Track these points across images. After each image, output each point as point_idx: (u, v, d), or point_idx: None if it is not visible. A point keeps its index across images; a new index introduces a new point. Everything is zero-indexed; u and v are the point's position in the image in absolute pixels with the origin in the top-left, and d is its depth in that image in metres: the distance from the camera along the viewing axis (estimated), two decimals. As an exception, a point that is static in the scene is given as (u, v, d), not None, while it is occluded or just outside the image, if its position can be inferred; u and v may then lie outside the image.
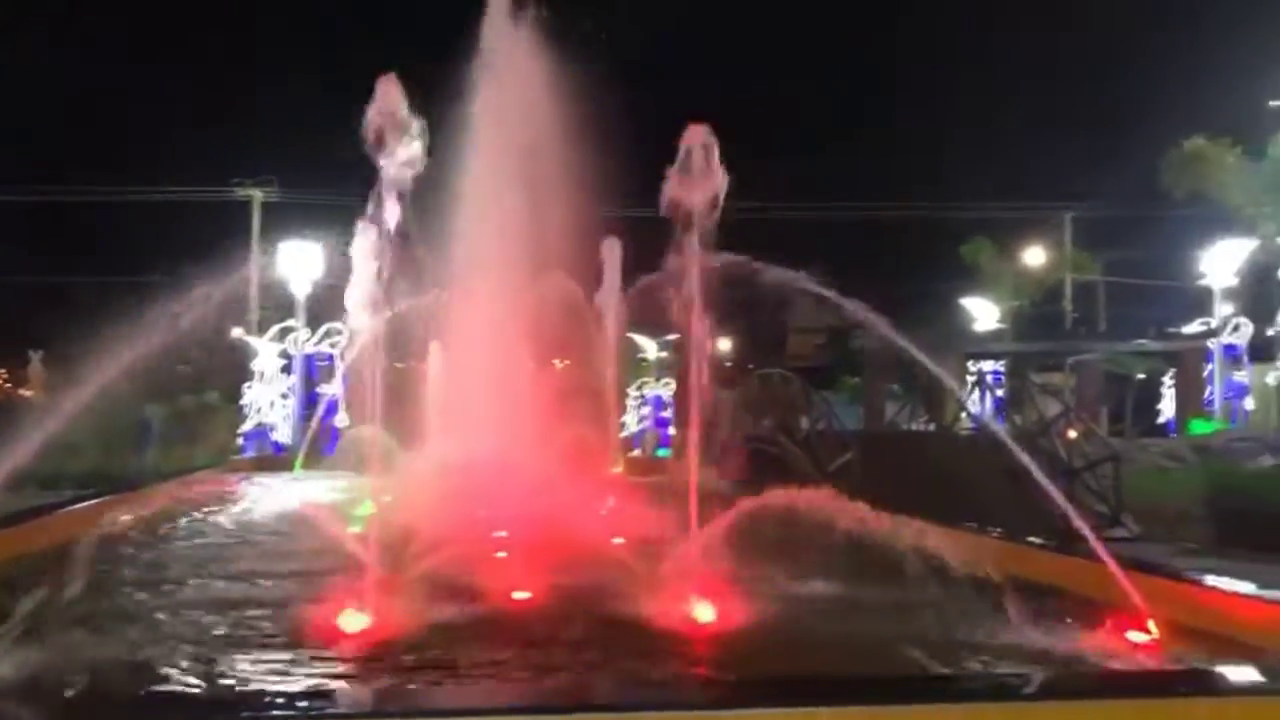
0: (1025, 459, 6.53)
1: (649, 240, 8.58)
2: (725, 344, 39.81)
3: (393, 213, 7.16)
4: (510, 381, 11.93)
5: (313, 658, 5.37)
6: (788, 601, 6.49)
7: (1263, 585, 6.46)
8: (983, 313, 37.80)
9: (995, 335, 36.75)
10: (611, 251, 12.67)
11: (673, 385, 31.67)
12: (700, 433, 7.33)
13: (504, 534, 8.29)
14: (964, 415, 18.06)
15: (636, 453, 27.37)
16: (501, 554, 7.82)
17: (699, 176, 6.95)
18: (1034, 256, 38.77)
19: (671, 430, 32.17)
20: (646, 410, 33.06)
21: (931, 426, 19.54)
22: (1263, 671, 3.98)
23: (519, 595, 6.69)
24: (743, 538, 6.88)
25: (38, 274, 36.18)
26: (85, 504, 10.70)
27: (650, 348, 32.60)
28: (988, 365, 35.07)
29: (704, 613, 6.09)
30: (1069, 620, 5.79)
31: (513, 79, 11.97)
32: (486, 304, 12.15)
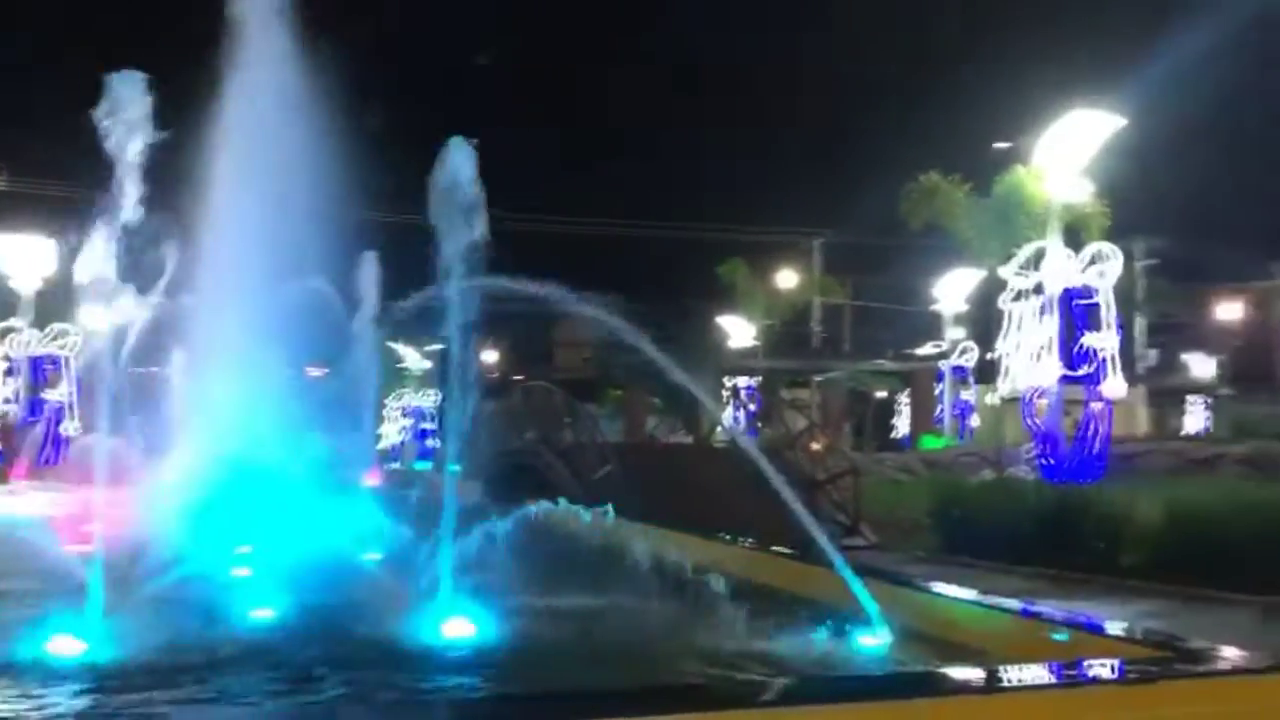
0: (771, 471, 6.79)
1: (411, 247, 8.41)
2: (491, 355, 39.57)
3: (131, 207, 6.71)
4: (261, 390, 11.38)
5: (33, 689, 4.92)
6: (541, 615, 6.48)
7: (984, 591, 6.99)
8: (738, 331, 39.28)
9: (749, 353, 38.28)
10: (371, 258, 12.33)
11: (435, 396, 31.21)
12: (462, 445, 7.24)
13: (247, 550, 7.89)
14: (719, 429, 18.67)
15: (395, 465, 26.76)
16: (243, 571, 7.45)
17: (458, 188, 6.88)
18: (785, 279, 40.67)
19: (432, 442, 31.67)
20: (407, 421, 32.42)
21: (689, 439, 20.11)
22: (982, 672, 4.27)
23: (260, 615, 6.38)
24: (500, 550, 6.83)
25: None
26: None
27: (412, 357, 31.97)
28: (742, 381, 36.51)
29: (457, 628, 6.00)
30: (807, 626, 6.04)
31: (265, 78, 11.46)
32: (237, 308, 11.56)
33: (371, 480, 14.05)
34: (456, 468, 7.04)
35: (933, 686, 4.10)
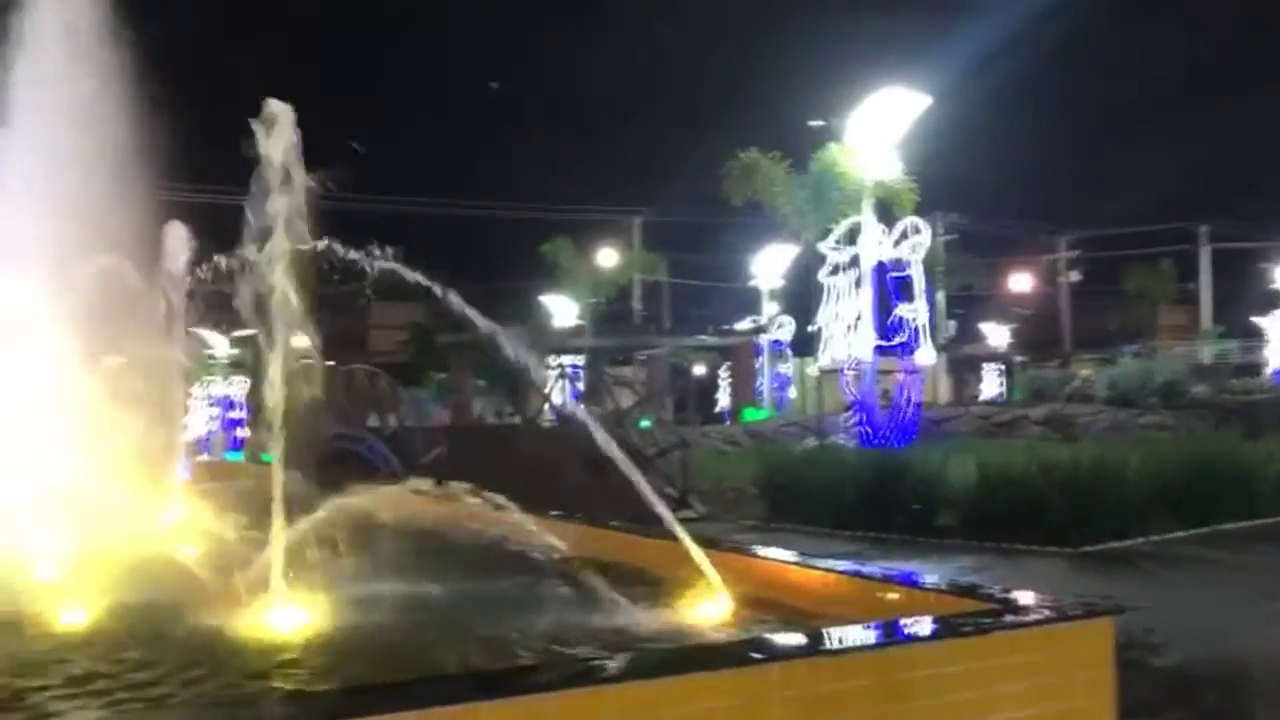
0: (610, 447, 6.74)
1: (221, 225, 7.95)
2: (302, 340, 38.20)
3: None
4: (52, 380, 10.58)
5: None
6: (372, 603, 6.24)
7: (811, 554, 7.15)
8: (562, 310, 39.23)
9: (574, 331, 38.28)
10: (175, 236, 11.58)
11: (244, 384, 29.91)
12: (277, 434, 6.88)
13: (49, 555, 7.31)
14: (547, 408, 18.58)
15: (204, 457, 25.51)
16: (46, 575, 6.90)
17: (276, 159, 6.52)
18: (607, 257, 40.83)
19: (243, 431, 30.42)
20: (215, 411, 30.98)
21: (517, 419, 19.93)
22: (821, 632, 4.34)
23: (72, 621, 5.92)
24: (325, 540, 6.55)
25: None
26: None
27: (220, 343, 30.50)
28: (568, 360, 36.50)
29: (283, 621, 5.71)
30: (649, 599, 6.03)
31: (59, 43, 10.60)
32: (24, 294, 10.69)
33: (182, 473, 13.33)
34: (272, 457, 6.68)
35: (781, 650, 4.13)
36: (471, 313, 7.05)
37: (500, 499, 6.86)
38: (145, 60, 10.58)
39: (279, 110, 6.48)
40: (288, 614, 5.78)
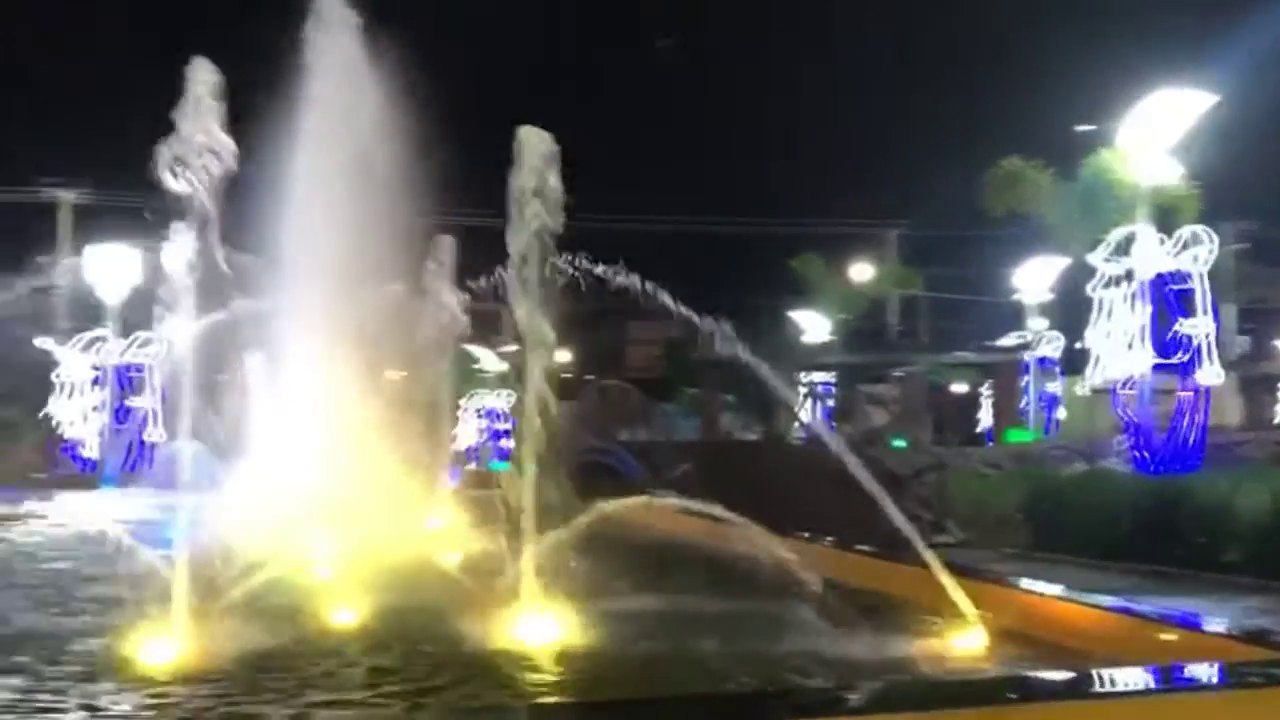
0: (859, 468, 6.59)
1: (485, 248, 8.36)
2: (564, 355, 39.71)
3: (207, 214, 6.73)
4: (338, 394, 11.47)
5: (115, 691, 4.94)
6: (624, 617, 6.36)
7: (1079, 588, 6.71)
8: (813, 326, 38.84)
9: (825, 348, 37.80)
10: (445, 260, 12.33)
11: (509, 397, 31.35)
12: (538, 445, 7.15)
13: (330, 553, 7.90)
14: (797, 425, 18.43)
15: (472, 466, 26.92)
16: (326, 575, 7.45)
17: (534, 184, 6.80)
18: (861, 272, 40.10)
19: (508, 443, 31.84)
20: (482, 423, 32.62)
21: (766, 436, 19.87)
22: (1088, 675, 4.05)
23: (343, 618, 6.36)
24: (579, 551, 6.73)
25: None
26: None
27: (487, 358, 32.14)
28: (819, 377, 36.07)
29: (539, 631, 5.91)
30: (898, 628, 5.84)
31: (339, 78, 11.55)
32: (313, 312, 11.67)
33: (449, 481, 14.09)
34: (534, 468, 6.94)
35: (1030, 690, 3.89)
36: (715, 329, 7.09)
37: (746, 517, 6.84)
38: (419, 91, 11.33)
39: (535, 136, 6.75)
40: (538, 623, 5.97)
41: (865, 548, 7.99)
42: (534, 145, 6.79)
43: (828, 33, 38.81)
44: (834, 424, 27.65)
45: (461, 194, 13.05)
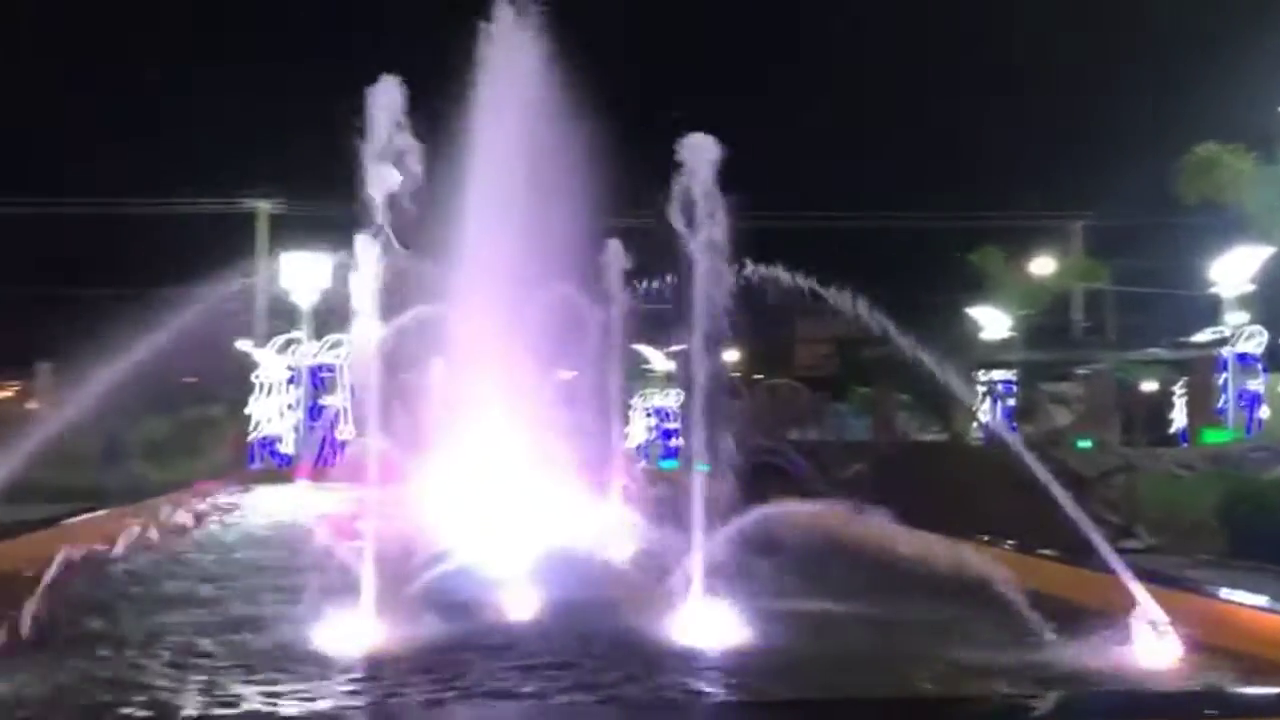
0: (1041, 469, 6.35)
1: (654, 249, 8.45)
2: (732, 354, 39.65)
3: (393, 220, 7.04)
4: (514, 393, 11.79)
5: (310, 677, 5.22)
6: (799, 618, 6.32)
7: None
8: (991, 322, 37.53)
9: (1005, 345, 36.46)
10: (615, 261, 12.51)
11: (678, 396, 31.51)
12: (707, 444, 7.18)
13: (507, 547, 8.13)
14: (975, 425, 17.87)
15: (642, 464, 27.21)
16: (503, 568, 7.67)
17: (699, 185, 6.83)
18: (1043, 265, 38.50)
19: (676, 441, 32.03)
20: (652, 421, 32.89)
21: (943, 437, 19.35)
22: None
23: (523, 611, 6.54)
24: (751, 550, 6.73)
25: (42, 285, 36.20)
26: (82, 518, 10.61)
27: (656, 357, 32.42)
28: (998, 375, 34.83)
29: (711, 628, 5.94)
30: (1084, 636, 5.60)
31: (514, 85, 11.87)
32: (490, 314, 12.02)
33: (618, 479, 14.30)
34: (703, 467, 6.98)
35: (1231, 706, 3.68)
36: (888, 326, 6.96)
37: (922, 520, 6.69)
38: (590, 95, 11.54)
39: (701, 139, 6.79)
40: (709, 621, 6.00)
41: (1049, 552, 7.69)
42: (700, 149, 6.83)
43: (1009, 20, 37.41)
44: (1015, 424, 26.68)
45: (631, 196, 13.21)
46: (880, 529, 7.78)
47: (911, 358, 7.34)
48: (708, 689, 5.13)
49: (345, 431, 21.73)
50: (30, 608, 5.86)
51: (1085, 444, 18.43)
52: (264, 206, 35.71)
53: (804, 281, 7.23)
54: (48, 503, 12.48)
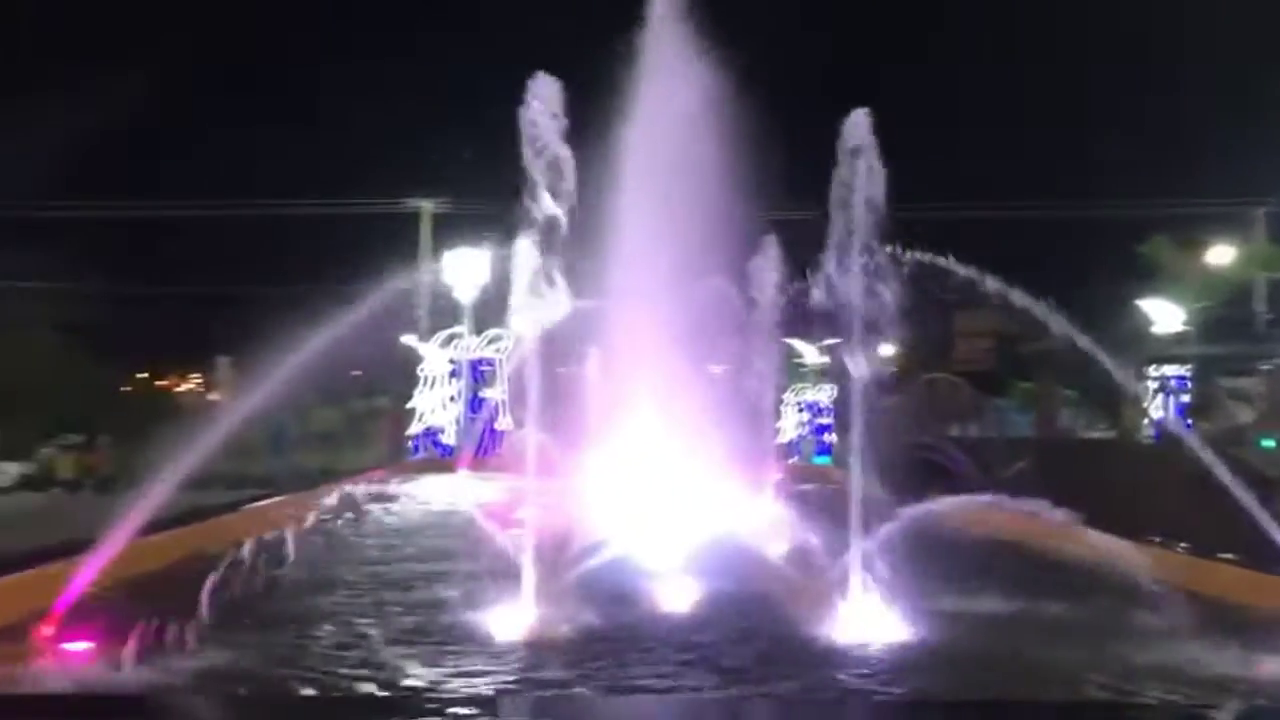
0: (1220, 468, 6.03)
1: (808, 243, 8.36)
2: (888, 348, 38.85)
3: (551, 217, 7.18)
4: (668, 387, 11.86)
5: (471, 661, 5.40)
6: (958, 618, 6.19)
7: None
8: (1163, 315, 35.71)
9: (1179, 339, 34.66)
10: (768, 254, 12.44)
11: (831, 391, 31.10)
12: (863, 439, 7.09)
13: (663, 540, 8.21)
14: (1146, 422, 17.06)
15: (795, 460, 26.97)
16: (660, 561, 7.75)
17: (859, 176, 6.73)
18: (1221, 255, 36.41)
19: (830, 437, 31.64)
20: (804, 416, 32.58)
21: (1111, 434, 18.55)
22: None
23: (680, 604, 6.60)
24: (910, 548, 6.61)
25: (219, 284, 38.44)
26: (263, 502, 11.21)
27: (808, 352, 32.08)
28: (1171, 370, 33.12)
29: (870, 626, 5.87)
30: (1266, 644, 5.31)
31: (669, 81, 11.93)
32: (644, 309, 12.12)
33: (773, 474, 14.24)
34: (857, 463, 6.89)
35: None
36: (1054, 319, 6.72)
37: (1090, 520, 6.45)
38: (744, 89, 11.50)
39: (857, 128, 6.68)
40: (866, 618, 5.93)
41: (1228, 556, 7.30)
42: (858, 136, 6.73)
43: (1184, 5, 35.47)
44: (1190, 421, 25.31)
45: (785, 190, 13.11)
46: (1046, 527, 7.53)
47: (1075, 351, 7.08)
48: (866, 687, 5.08)
49: (504, 423, 22.28)
50: (221, 587, 6.23)
51: (1269, 443, 17.36)
52: (427, 206, 36.93)
53: (970, 272, 7.04)
54: (228, 489, 13.24)
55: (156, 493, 6.49)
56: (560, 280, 7.45)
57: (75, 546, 6.37)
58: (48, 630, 5.51)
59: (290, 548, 8.27)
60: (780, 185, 12.59)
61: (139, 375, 48.55)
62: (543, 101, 7.00)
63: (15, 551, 7.23)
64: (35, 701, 4.33)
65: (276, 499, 11.78)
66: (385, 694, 4.84)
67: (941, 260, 7.16)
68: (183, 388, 49.17)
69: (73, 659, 5.24)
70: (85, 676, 4.99)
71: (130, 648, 5.07)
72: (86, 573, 5.91)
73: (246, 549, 6.73)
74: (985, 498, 7.31)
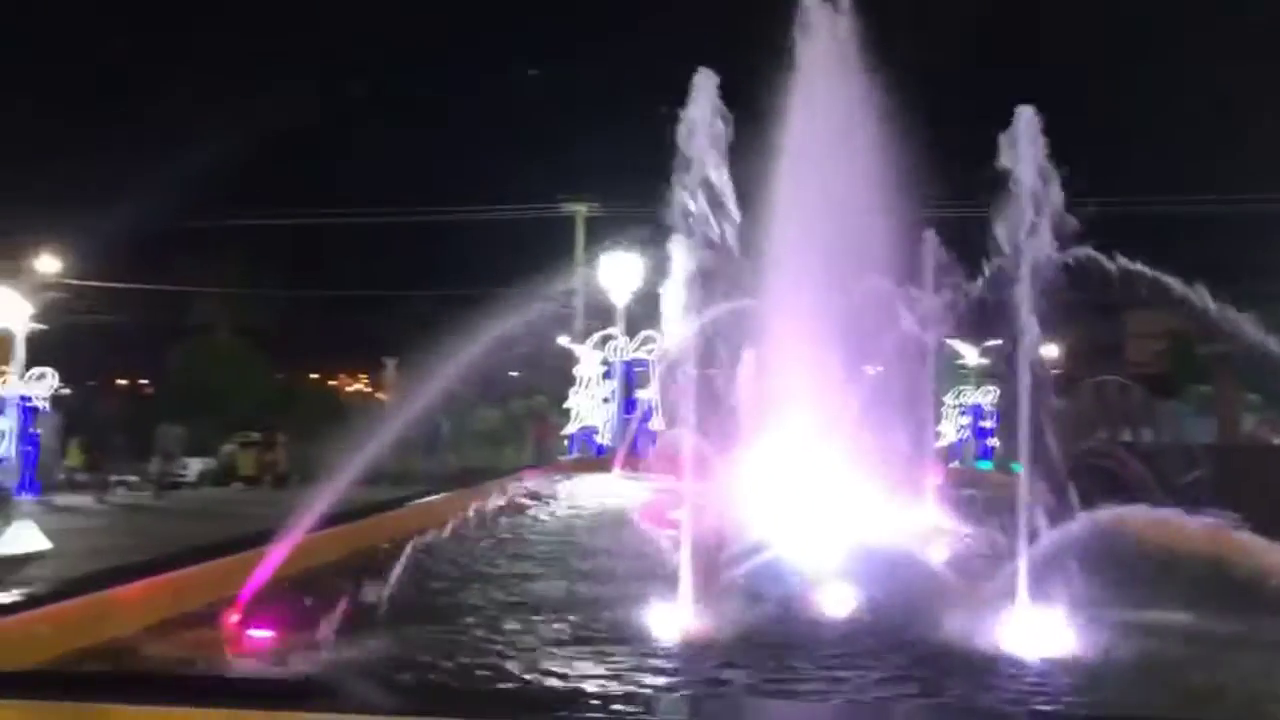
0: None
1: (972, 241, 8.14)
2: (1053, 349, 37.43)
3: (705, 216, 7.20)
4: (822, 388, 11.72)
5: (629, 659, 5.45)
6: (1130, 631, 5.92)
7: None
8: (1362, 313, 33.29)
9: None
10: (928, 252, 12.13)
11: (994, 393, 30.19)
12: (1028, 445, 6.86)
13: (820, 544, 8.12)
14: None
15: (956, 464, 26.28)
16: (818, 565, 7.67)
17: (1022, 171, 6.51)
18: None
19: (993, 441, 30.72)
20: (965, 420, 31.72)
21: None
22: None
23: (834, 608, 6.52)
24: (1078, 557, 6.36)
25: (385, 288, 40.05)
26: (425, 500, 11.61)
27: (969, 353, 31.20)
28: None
29: (1037, 637, 5.67)
30: None
31: (824, 78, 11.79)
32: (798, 310, 12.01)
33: (934, 479, 13.92)
34: (1022, 467, 6.67)
35: None
36: (1242, 321, 6.35)
37: (1273, 530, 6.08)
38: (901, 84, 11.29)
39: (1026, 118, 6.46)
40: (1032, 629, 5.73)
41: None
42: (1025, 129, 6.51)
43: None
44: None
45: (947, 186, 12.79)
46: (1226, 539, 7.14)
47: (1258, 353, 6.69)
48: (1031, 699, 4.92)
49: (657, 424, 22.43)
50: (390, 580, 6.48)
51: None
52: (581, 210, 37.56)
53: (1144, 270, 6.73)
54: (393, 486, 13.77)
55: (332, 489, 6.80)
56: (713, 280, 7.45)
57: (258, 539, 6.73)
58: (234, 617, 5.84)
59: (455, 542, 8.53)
60: (941, 182, 12.30)
61: (311, 375, 50.95)
62: (704, 96, 7.01)
63: (203, 543, 7.70)
64: (223, 684, 4.60)
65: (441, 496, 12.17)
66: (548, 687, 4.94)
67: (1112, 258, 6.86)
68: (351, 388, 51.37)
69: (257, 645, 5.55)
70: (269, 661, 5.28)
71: (311, 635, 5.33)
72: (269, 564, 6.23)
73: (418, 543, 6.98)
74: (1164, 509, 6.97)
